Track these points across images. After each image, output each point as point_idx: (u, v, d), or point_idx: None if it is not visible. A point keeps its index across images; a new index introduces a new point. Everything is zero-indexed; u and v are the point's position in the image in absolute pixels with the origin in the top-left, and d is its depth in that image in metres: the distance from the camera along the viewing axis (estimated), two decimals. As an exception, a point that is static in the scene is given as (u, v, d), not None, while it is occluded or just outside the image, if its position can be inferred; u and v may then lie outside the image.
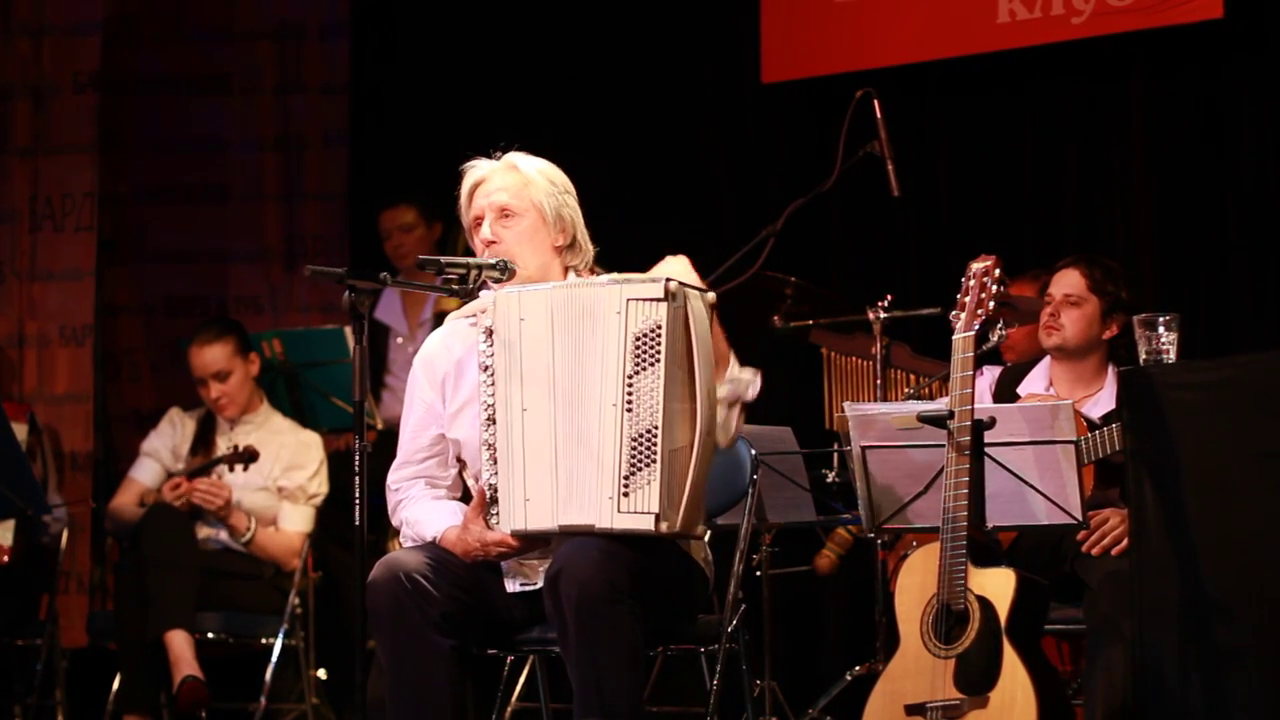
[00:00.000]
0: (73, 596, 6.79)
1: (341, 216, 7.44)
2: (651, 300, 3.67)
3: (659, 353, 3.64)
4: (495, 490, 3.76)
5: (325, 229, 7.44)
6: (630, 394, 3.65)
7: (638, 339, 3.66)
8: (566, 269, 3.96)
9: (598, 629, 3.60)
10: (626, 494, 3.64)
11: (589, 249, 3.99)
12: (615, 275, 3.85)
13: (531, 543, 3.78)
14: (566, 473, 3.69)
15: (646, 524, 3.63)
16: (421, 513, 3.94)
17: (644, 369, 3.65)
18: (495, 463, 3.76)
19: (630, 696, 3.64)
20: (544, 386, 3.73)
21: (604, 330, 3.69)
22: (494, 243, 3.91)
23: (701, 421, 3.69)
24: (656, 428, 3.63)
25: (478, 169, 3.98)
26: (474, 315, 3.91)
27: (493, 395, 3.78)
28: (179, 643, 5.72)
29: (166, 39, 7.44)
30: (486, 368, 3.79)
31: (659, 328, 3.65)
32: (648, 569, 3.70)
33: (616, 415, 3.65)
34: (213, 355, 6.13)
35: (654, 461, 3.63)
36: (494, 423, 3.77)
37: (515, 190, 3.93)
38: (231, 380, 6.14)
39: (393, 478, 4.02)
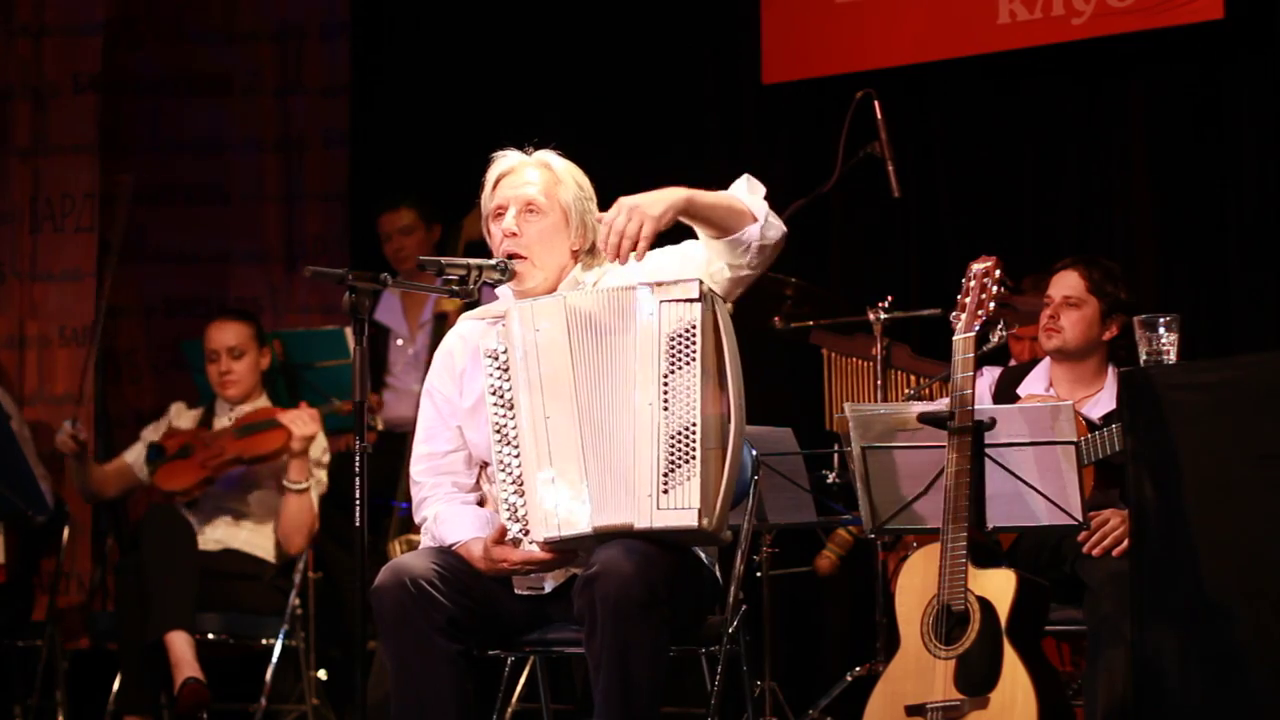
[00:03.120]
0: (73, 597, 6.79)
1: (341, 217, 7.45)
2: (685, 301, 3.69)
3: (694, 352, 3.66)
4: (516, 509, 3.76)
5: (325, 230, 7.44)
6: (667, 393, 3.66)
7: (672, 339, 3.68)
8: (577, 267, 3.96)
9: (633, 631, 3.59)
10: (666, 491, 3.64)
11: (605, 256, 4.00)
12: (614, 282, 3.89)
13: (561, 554, 3.77)
14: (597, 476, 3.69)
15: (689, 520, 3.63)
16: (448, 513, 3.92)
17: (679, 368, 3.67)
18: (517, 482, 3.76)
19: (654, 701, 3.65)
20: (566, 392, 3.73)
21: (635, 332, 3.70)
22: (515, 235, 3.91)
23: (734, 422, 3.71)
24: (695, 425, 3.64)
25: (507, 159, 3.98)
26: (492, 318, 3.91)
27: (502, 416, 3.78)
28: (180, 644, 5.72)
29: (167, 40, 7.45)
30: (495, 390, 3.79)
31: (694, 327, 3.67)
32: (678, 574, 3.71)
33: (653, 414, 3.66)
34: (234, 331, 6.21)
35: (693, 458, 3.64)
36: (508, 443, 3.77)
37: (545, 187, 3.93)
38: (244, 361, 6.19)
39: (416, 470, 4.00)
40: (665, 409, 3.66)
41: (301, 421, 5.93)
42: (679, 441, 3.65)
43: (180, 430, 6.20)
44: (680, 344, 3.67)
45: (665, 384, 3.67)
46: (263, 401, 6.21)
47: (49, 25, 7.17)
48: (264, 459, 6.00)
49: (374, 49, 7.51)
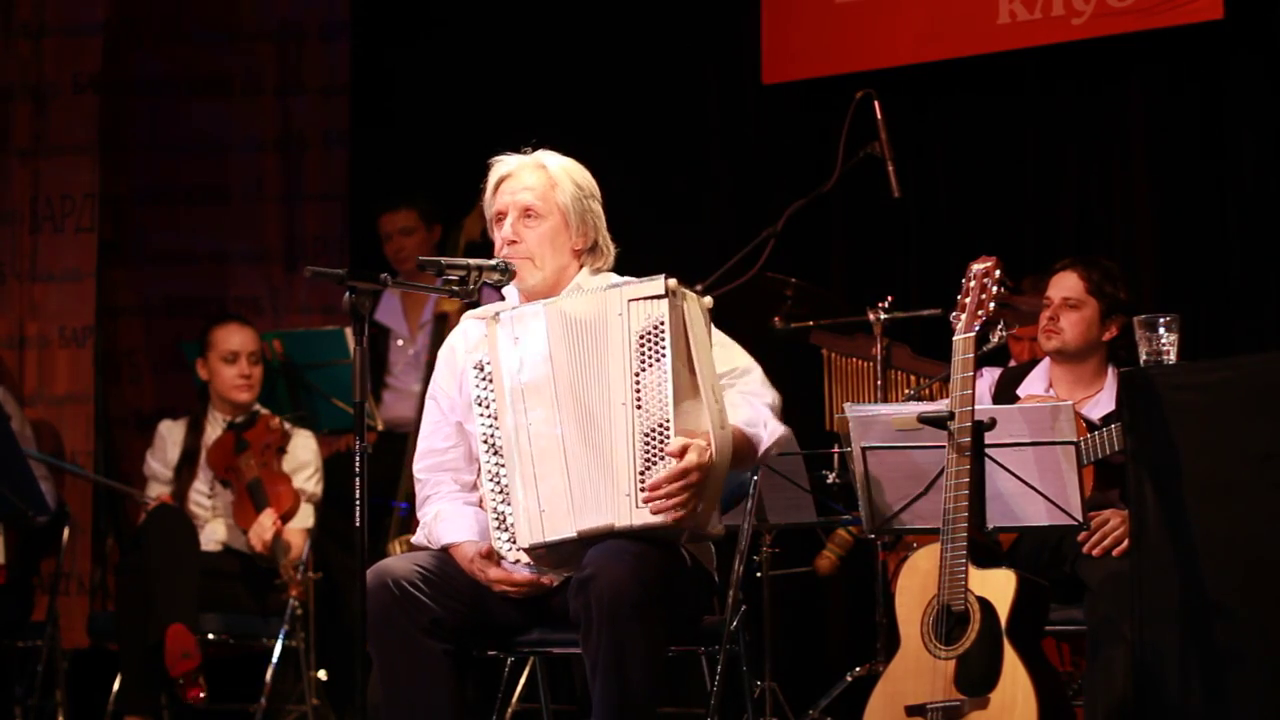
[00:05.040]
0: (73, 597, 6.79)
1: (341, 217, 7.44)
2: (652, 298, 3.70)
3: (664, 349, 3.68)
4: (504, 518, 3.77)
5: (325, 230, 7.44)
6: (639, 391, 3.68)
7: (641, 337, 3.69)
8: (583, 270, 3.97)
9: (628, 632, 3.60)
10: (644, 489, 3.65)
11: (610, 252, 4.01)
12: (614, 280, 3.90)
13: (537, 582, 3.79)
14: (579, 478, 3.71)
15: (666, 517, 3.65)
16: (449, 512, 3.93)
17: (649, 365, 3.68)
18: (504, 490, 3.77)
19: (652, 700, 3.65)
20: (548, 399, 3.74)
21: (607, 333, 3.72)
22: (515, 242, 3.92)
23: (710, 415, 3.70)
24: (668, 421, 3.66)
25: (505, 163, 3.99)
26: (487, 318, 3.93)
27: (489, 425, 3.80)
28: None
29: (167, 40, 7.44)
30: (481, 400, 3.81)
31: (661, 324, 3.68)
32: (672, 573, 3.72)
33: (627, 414, 3.68)
34: (251, 336, 6.26)
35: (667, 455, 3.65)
36: (495, 451, 3.79)
37: (541, 191, 3.93)
38: (258, 368, 6.21)
39: (419, 468, 4.03)
40: (638, 407, 3.68)
41: (260, 533, 5.93)
42: (653, 439, 3.67)
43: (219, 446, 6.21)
44: (649, 341, 3.69)
45: (637, 382, 3.69)
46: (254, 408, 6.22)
47: (49, 25, 7.16)
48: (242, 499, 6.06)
49: (374, 49, 7.51)
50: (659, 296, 3.69)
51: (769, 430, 3.85)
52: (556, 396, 3.74)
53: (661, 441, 3.66)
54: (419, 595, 3.75)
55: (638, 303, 3.71)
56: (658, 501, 3.64)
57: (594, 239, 3.97)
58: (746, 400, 3.84)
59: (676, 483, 3.64)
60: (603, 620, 3.59)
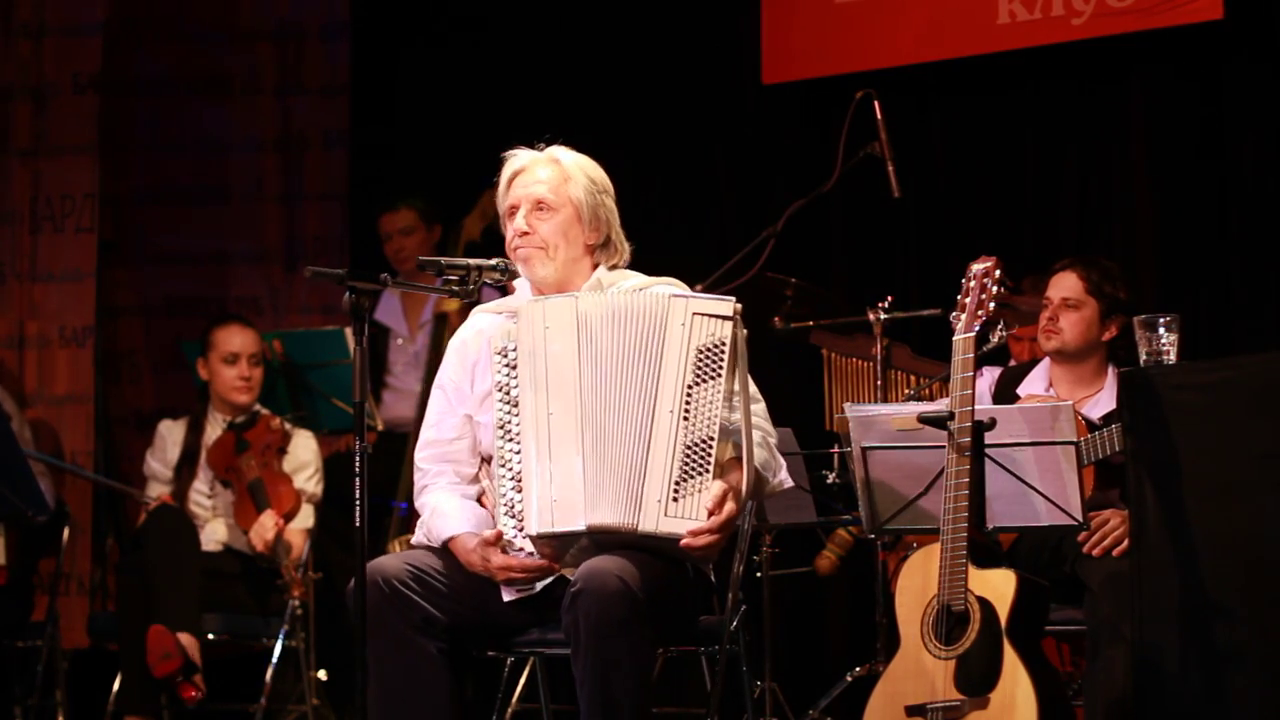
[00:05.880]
0: (73, 598, 6.79)
1: (341, 217, 7.44)
2: (718, 317, 3.74)
3: (721, 367, 3.72)
4: (514, 505, 3.77)
5: (325, 230, 7.44)
6: (689, 403, 3.70)
7: (700, 352, 3.73)
8: (596, 267, 3.98)
9: (615, 649, 3.60)
10: (676, 499, 3.68)
11: (625, 249, 4.01)
12: (634, 278, 3.90)
13: (544, 567, 3.79)
14: (595, 475, 3.71)
15: (696, 551, 3.70)
16: (445, 506, 3.92)
17: (704, 381, 3.72)
18: (516, 478, 3.77)
19: (638, 717, 3.65)
20: (571, 391, 3.75)
21: (663, 339, 3.74)
22: (527, 234, 3.92)
23: (745, 448, 3.74)
24: (713, 439, 3.69)
25: (518, 158, 3.99)
26: (508, 312, 3.93)
27: (506, 413, 3.79)
28: (185, 646, 5.72)
29: (167, 40, 7.44)
30: (501, 386, 3.81)
31: (723, 344, 3.73)
32: (665, 586, 3.72)
33: (672, 422, 3.70)
34: (253, 337, 6.24)
35: (706, 470, 3.70)
36: (510, 439, 3.78)
37: (554, 184, 3.94)
38: (259, 370, 6.20)
39: (420, 457, 4.02)
40: (685, 419, 3.70)
41: (262, 533, 5.93)
42: (695, 452, 3.70)
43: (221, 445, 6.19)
44: (708, 358, 3.72)
45: (688, 394, 3.71)
46: (253, 410, 6.22)
47: (49, 25, 7.16)
48: (242, 498, 6.05)
49: (374, 49, 7.51)
50: (726, 318, 3.74)
51: (778, 479, 3.91)
52: (580, 390, 3.74)
53: (703, 457, 3.69)
54: (409, 593, 3.75)
55: (703, 318, 3.74)
56: (699, 539, 3.69)
57: (606, 234, 3.98)
58: (763, 443, 3.87)
59: (716, 534, 3.70)
60: (591, 638, 3.60)
